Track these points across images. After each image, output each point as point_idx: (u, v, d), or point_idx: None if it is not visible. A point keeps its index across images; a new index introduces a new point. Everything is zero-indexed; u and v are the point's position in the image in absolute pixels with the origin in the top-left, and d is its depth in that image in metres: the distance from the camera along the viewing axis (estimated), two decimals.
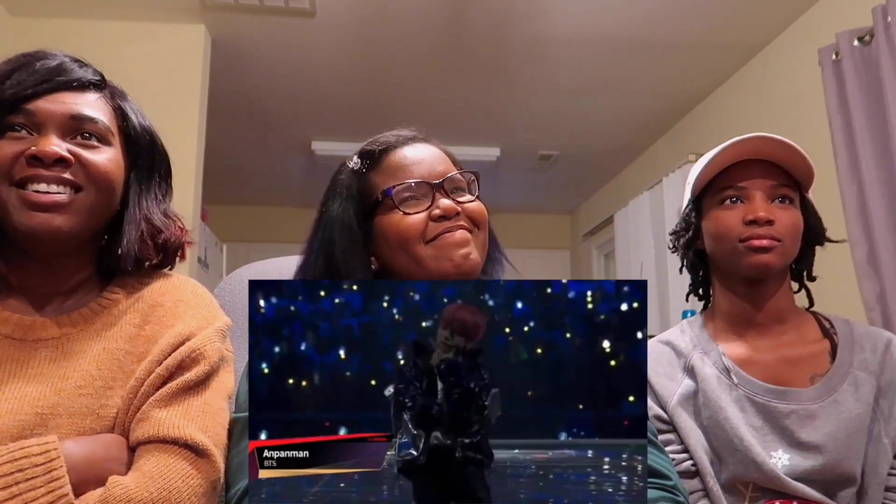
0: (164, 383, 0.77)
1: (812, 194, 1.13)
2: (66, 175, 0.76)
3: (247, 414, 0.80)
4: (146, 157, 0.87)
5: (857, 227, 2.10)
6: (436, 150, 0.97)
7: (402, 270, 0.91)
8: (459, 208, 0.90)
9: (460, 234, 0.88)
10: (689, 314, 2.51)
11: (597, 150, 4.21)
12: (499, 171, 4.47)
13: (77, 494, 0.66)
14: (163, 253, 0.88)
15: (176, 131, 2.73)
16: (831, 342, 1.08)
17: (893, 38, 2.04)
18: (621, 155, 4.31)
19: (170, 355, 0.78)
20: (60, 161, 0.76)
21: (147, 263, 0.87)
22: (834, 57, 2.26)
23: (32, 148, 0.75)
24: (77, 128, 0.79)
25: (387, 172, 0.93)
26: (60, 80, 0.79)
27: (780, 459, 0.98)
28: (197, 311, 0.85)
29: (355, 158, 0.97)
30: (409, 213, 0.89)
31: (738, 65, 3.11)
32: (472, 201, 0.92)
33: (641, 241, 3.86)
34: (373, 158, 0.95)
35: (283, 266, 1.16)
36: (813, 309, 1.16)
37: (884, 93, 2.04)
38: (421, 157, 0.94)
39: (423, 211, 0.89)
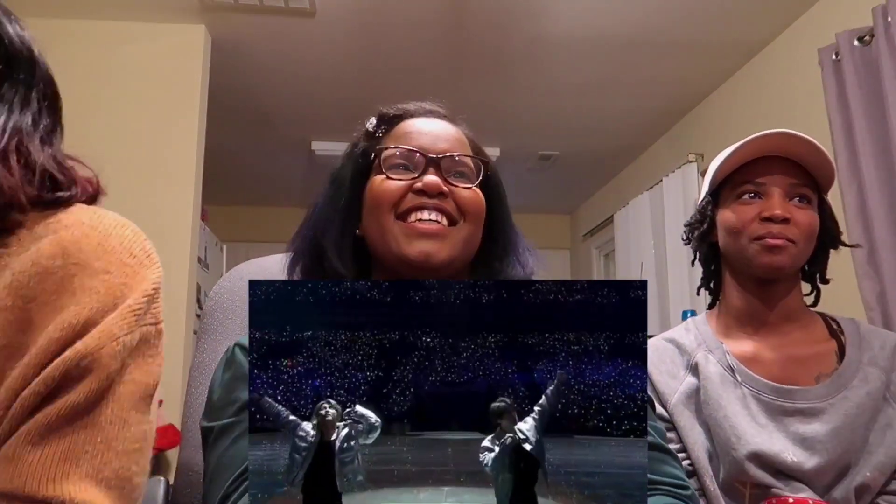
0: (42, 403, 0.52)
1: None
2: None
3: (224, 421, 0.74)
4: (22, 69, 0.64)
5: (857, 227, 2.10)
6: (452, 128, 0.90)
7: (372, 240, 0.85)
8: (446, 188, 0.82)
9: (433, 225, 0.80)
10: (688, 314, 2.51)
11: (597, 150, 4.21)
12: (499, 171, 4.46)
13: None
14: (51, 186, 0.61)
15: (176, 131, 2.75)
16: (838, 342, 1.08)
17: (893, 38, 2.03)
18: (621, 155, 4.30)
19: (52, 361, 0.52)
20: None
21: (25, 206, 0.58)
22: (834, 57, 2.26)
23: None
24: None
25: (393, 137, 0.87)
26: None
27: (788, 455, 0.98)
28: (102, 281, 0.56)
29: (372, 119, 0.91)
30: (391, 178, 0.82)
31: (738, 65, 3.11)
32: (468, 188, 0.85)
33: (641, 241, 3.86)
34: (387, 122, 0.90)
35: (284, 263, 1.15)
36: (821, 310, 1.15)
37: (884, 93, 2.04)
38: (430, 129, 0.88)
39: (406, 180, 0.82)
